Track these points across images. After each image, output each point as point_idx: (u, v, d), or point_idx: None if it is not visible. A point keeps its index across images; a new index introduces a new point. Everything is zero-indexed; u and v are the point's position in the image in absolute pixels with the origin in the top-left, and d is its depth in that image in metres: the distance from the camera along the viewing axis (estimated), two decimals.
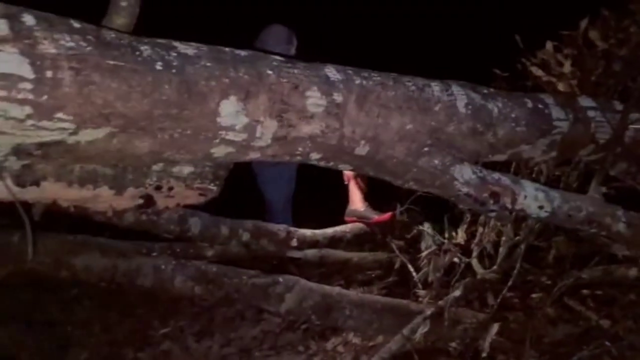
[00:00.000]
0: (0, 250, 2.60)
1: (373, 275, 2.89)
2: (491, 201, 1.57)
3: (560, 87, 2.24)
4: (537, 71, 2.36)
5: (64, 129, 1.02)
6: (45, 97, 0.95)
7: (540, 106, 1.71)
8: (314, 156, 1.39)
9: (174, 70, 1.10)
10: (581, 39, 2.27)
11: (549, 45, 2.32)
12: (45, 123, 0.99)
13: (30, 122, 0.97)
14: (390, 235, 2.95)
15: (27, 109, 0.95)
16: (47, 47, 0.95)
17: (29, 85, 0.93)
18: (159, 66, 1.08)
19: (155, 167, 1.40)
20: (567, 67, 2.28)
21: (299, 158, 1.39)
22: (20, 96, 0.93)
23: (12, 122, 0.96)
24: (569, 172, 2.30)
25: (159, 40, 1.15)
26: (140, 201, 1.42)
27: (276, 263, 2.98)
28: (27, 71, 0.93)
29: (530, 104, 1.68)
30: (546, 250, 2.65)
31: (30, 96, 0.94)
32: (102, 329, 2.77)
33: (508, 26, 2.62)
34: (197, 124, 1.16)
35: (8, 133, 0.98)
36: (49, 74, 0.95)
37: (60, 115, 0.99)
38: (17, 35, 0.93)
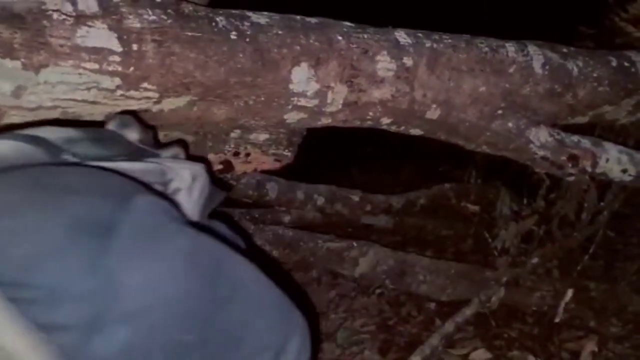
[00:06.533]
0: None
1: (447, 242, 2.88)
2: (569, 165, 1.52)
3: None
4: (628, 27, 2.22)
5: (149, 97, 1.09)
6: (132, 68, 1.02)
7: (626, 64, 1.61)
8: (385, 121, 1.40)
9: (247, 39, 1.14)
10: None
11: None
12: (132, 93, 1.06)
13: (119, 92, 1.05)
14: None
15: (117, 80, 1.02)
16: (132, 22, 1.02)
17: (117, 58, 1.00)
18: (233, 35, 1.13)
19: (232, 135, 1.46)
20: None
21: (369, 123, 1.40)
22: (110, 68, 1.00)
23: (104, 93, 1.04)
24: None
25: (233, 11, 1.19)
26: (220, 166, 1.50)
27: (351, 230, 3.03)
28: (115, 45, 1.00)
29: (614, 62, 1.59)
30: (633, 218, 2.53)
31: (119, 68, 1.01)
32: None
33: None
34: (270, 90, 1.20)
35: (101, 103, 1.06)
36: (134, 46, 1.02)
37: (145, 85, 1.06)
38: (105, 11, 1.00)
